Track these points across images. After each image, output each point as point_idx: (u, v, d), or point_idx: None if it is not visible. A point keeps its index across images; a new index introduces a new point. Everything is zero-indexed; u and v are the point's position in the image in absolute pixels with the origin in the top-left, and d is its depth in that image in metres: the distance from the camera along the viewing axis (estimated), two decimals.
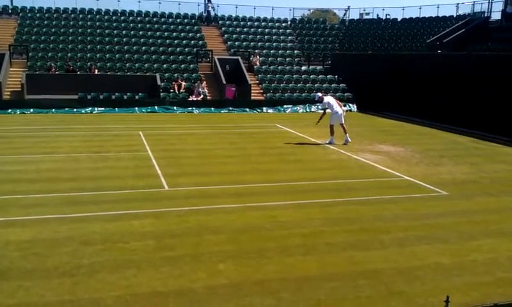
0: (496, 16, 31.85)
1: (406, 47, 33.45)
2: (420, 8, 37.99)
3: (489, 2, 32.61)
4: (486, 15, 32.91)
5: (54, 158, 14.52)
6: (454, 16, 34.55)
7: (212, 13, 38.98)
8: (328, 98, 18.40)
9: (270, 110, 28.24)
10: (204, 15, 38.61)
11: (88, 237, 8.35)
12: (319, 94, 19.20)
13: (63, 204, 10.07)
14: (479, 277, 7.30)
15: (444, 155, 16.45)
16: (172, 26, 35.90)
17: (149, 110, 26.44)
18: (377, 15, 41.12)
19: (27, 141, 17.42)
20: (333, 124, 17.87)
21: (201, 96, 28.47)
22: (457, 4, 35.80)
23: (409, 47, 33.22)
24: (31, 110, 24.86)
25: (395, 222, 9.57)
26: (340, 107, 18.27)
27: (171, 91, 28.63)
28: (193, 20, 37.45)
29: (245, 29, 37.64)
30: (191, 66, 31.56)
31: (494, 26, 30.98)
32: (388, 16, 39.84)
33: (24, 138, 17.97)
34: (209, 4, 38.78)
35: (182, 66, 31.39)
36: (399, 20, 38.67)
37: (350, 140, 17.73)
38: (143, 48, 32.63)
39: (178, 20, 37.06)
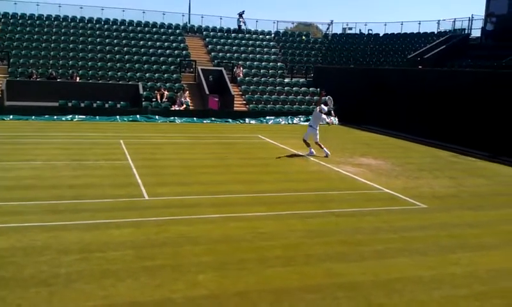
0: (476, 33, 32.46)
1: (388, 61, 33.84)
2: (402, 24, 38.56)
3: (469, 20, 33.22)
4: (466, 32, 33.49)
5: (33, 165, 14.33)
6: (435, 32, 35.10)
7: (243, 27, 39.80)
8: (325, 109, 18.13)
9: (252, 122, 28.30)
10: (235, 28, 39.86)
11: (66, 246, 8.24)
12: (328, 103, 18.71)
13: (42, 213, 9.94)
14: (458, 290, 7.36)
15: (424, 168, 16.62)
16: (156, 36, 35.85)
17: (131, 119, 26.30)
18: (360, 30, 41.60)
19: (5, 147, 17.17)
20: (307, 139, 17.92)
21: (184, 106, 28.42)
22: (439, 20, 36.37)
23: (390, 62, 33.61)
24: (11, 116, 24.55)
25: (374, 235, 9.62)
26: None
27: (154, 100, 28.53)
28: (177, 30, 37.44)
29: (229, 41, 37.77)
30: (174, 75, 31.52)
31: (474, 43, 31.53)
32: (370, 32, 40.30)
33: (3, 145, 17.70)
34: (241, 19, 39.61)
35: (165, 75, 31.34)
36: (381, 35, 39.14)
37: (308, 155, 17.74)
38: (126, 56, 32.51)
39: (162, 29, 37.03)
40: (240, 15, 39.82)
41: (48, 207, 10.35)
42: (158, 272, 7.41)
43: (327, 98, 18.87)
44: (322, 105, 18.13)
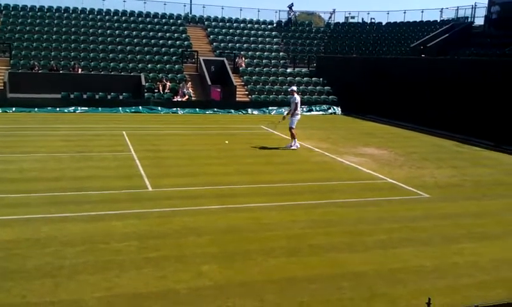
0: (479, 21, 32.30)
1: (391, 50, 33.71)
2: (405, 13, 38.46)
3: (472, 8, 33.03)
4: (469, 20, 33.32)
5: (36, 157, 14.35)
6: (438, 21, 34.92)
7: (294, 19, 40.10)
8: (298, 98, 17.66)
9: (255, 112, 28.24)
10: (285, 21, 40.19)
11: (70, 238, 8.27)
12: (295, 88, 18.32)
13: (46, 205, 9.97)
14: (461, 279, 7.37)
15: (427, 158, 16.59)
16: (157, 26, 35.73)
17: (133, 110, 26.29)
18: (362, 19, 41.38)
19: (9, 140, 17.20)
20: (294, 127, 17.28)
21: (186, 96, 28.38)
22: (442, 9, 36.26)
23: (393, 50, 33.48)
24: (13, 109, 24.57)
25: (377, 225, 9.63)
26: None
27: (156, 91, 28.50)
28: (179, 21, 37.31)
29: (231, 31, 37.63)
30: (176, 66, 31.45)
31: (477, 31, 31.37)
32: (372, 20, 40.12)
33: (6, 137, 17.74)
34: (291, 12, 39.73)
35: (167, 66, 31.26)
36: (383, 24, 38.97)
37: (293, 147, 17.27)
38: (128, 47, 32.44)
39: (163, 20, 36.91)
40: (290, 7, 39.95)
41: (52, 199, 10.38)
42: (162, 263, 7.44)
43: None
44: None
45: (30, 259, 7.38)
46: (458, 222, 10.07)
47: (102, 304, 6.25)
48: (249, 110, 28.30)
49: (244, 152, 16.68)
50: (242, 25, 38.85)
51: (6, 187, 11.18)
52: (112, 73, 29.54)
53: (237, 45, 35.79)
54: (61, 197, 10.58)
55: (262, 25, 39.42)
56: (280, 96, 30.43)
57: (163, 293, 6.59)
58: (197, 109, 27.42)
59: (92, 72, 29.29)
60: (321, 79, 32.46)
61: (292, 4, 39.81)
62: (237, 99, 29.43)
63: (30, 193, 10.74)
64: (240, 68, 32.46)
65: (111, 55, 31.27)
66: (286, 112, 17.93)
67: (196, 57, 32.57)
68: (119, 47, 32.30)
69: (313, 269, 7.49)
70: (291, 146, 17.24)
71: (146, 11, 37.36)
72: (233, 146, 17.77)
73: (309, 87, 31.74)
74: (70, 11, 35.27)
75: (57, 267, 7.16)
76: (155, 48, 32.93)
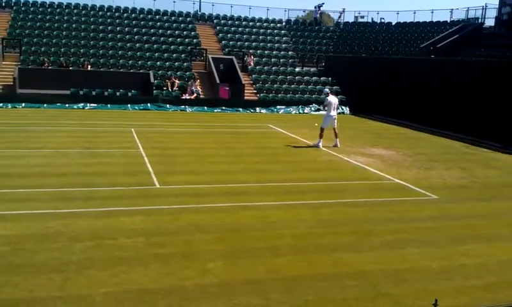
0: (489, 22, 32.15)
1: (400, 51, 33.60)
2: (415, 13, 38.33)
3: (483, 9, 32.88)
4: (479, 20, 33.16)
5: (44, 153, 14.43)
6: (448, 21, 34.78)
7: (319, 19, 41.06)
8: (331, 98, 18.01)
9: (263, 111, 28.24)
10: (313, 21, 40.94)
11: (77, 233, 8.31)
12: (327, 90, 18.99)
13: (53, 200, 10.02)
14: (468, 281, 7.34)
15: (435, 159, 16.52)
16: (166, 24, 35.82)
17: (142, 107, 26.37)
18: (372, 19, 41.32)
19: (17, 135, 17.29)
20: (324, 127, 17.55)
21: (195, 94, 28.43)
22: (452, 9, 36.16)
23: (403, 51, 33.38)
24: (23, 104, 24.71)
25: (384, 225, 9.60)
26: (335, 110, 18.07)
27: (165, 88, 28.57)
28: (188, 18, 37.38)
29: (240, 29, 37.65)
30: (185, 64, 31.50)
31: (487, 32, 31.21)
32: (382, 20, 40.02)
33: (15, 132, 17.84)
34: (318, 11, 40.31)
35: (176, 64, 31.33)
36: (393, 24, 38.87)
37: (339, 145, 17.60)
38: (137, 45, 32.54)
39: (172, 17, 36.99)
40: (319, 6, 40.04)
41: (60, 194, 10.43)
42: (169, 260, 7.46)
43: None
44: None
45: (38, 254, 7.43)
46: (466, 223, 10.04)
47: (109, 299, 6.28)
48: (258, 109, 28.30)
49: (251, 151, 16.69)
50: (251, 23, 38.85)
51: (14, 181, 11.25)
52: (121, 70, 29.67)
53: (246, 43, 35.80)
54: (69, 192, 10.63)
55: (271, 24, 39.38)
56: (288, 95, 30.42)
57: (170, 289, 6.61)
58: (205, 107, 27.47)
59: (101, 69, 29.42)
60: (330, 79, 32.39)
61: (322, 3, 40.07)
62: (245, 98, 29.43)
63: (37, 188, 10.80)
64: (249, 67, 32.46)
65: (120, 52, 31.38)
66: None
67: (204, 55, 32.61)
68: (128, 44, 32.41)
69: (319, 268, 7.49)
70: (318, 144, 17.49)
71: (156, 8, 37.45)
72: (241, 144, 17.79)
73: (317, 87, 31.67)
74: (80, 8, 35.40)
75: (65, 262, 7.20)
76: (164, 46, 33.03)
